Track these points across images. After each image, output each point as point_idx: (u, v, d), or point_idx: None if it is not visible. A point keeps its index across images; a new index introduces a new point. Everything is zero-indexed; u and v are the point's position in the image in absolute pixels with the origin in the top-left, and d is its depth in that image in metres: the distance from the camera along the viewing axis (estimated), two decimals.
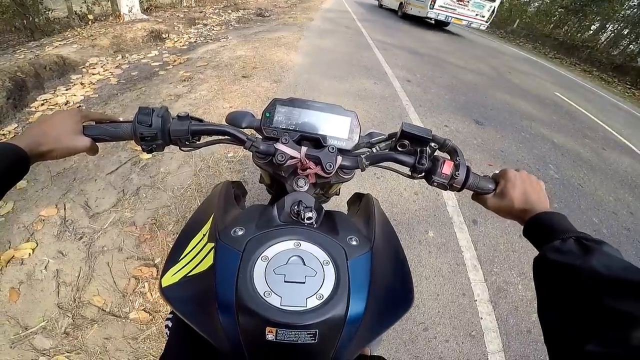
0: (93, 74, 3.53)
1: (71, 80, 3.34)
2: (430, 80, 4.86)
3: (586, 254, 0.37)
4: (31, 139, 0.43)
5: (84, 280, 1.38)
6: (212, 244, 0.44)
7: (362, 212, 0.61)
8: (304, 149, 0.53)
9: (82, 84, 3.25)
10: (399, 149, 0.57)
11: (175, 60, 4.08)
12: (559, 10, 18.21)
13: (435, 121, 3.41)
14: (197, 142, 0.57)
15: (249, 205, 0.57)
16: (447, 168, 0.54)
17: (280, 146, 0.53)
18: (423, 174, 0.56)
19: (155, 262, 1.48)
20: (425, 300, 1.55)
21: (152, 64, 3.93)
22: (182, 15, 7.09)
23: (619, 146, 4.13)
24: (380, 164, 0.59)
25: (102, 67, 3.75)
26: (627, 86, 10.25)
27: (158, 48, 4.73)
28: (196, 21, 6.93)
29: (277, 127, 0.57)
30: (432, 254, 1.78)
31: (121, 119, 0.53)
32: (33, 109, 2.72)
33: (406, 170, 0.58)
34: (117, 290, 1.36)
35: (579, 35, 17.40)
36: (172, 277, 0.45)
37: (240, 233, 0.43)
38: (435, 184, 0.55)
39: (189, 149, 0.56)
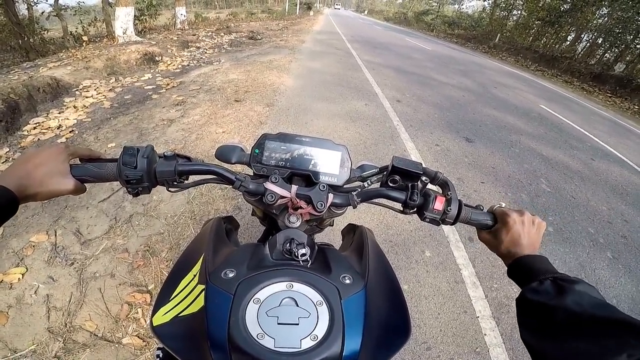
0: (86, 97, 3.54)
1: (64, 103, 3.34)
2: (418, 99, 4.99)
3: (561, 294, 0.40)
4: (19, 180, 0.42)
5: (75, 305, 1.36)
6: (203, 286, 0.43)
7: (355, 246, 0.61)
8: (294, 188, 0.53)
9: (75, 107, 3.26)
10: (390, 184, 0.57)
11: (168, 84, 4.14)
12: (536, 22, 18.88)
13: (426, 140, 3.43)
14: (185, 182, 0.56)
15: (241, 239, 0.53)
16: (438, 204, 0.53)
17: (269, 186, 0.52)
18: (415, 209, 0.56)
19: (149, 288, 1.46)
20: (426, 320, 1.53)
21: (145, 88, 3.98)
22: (175, 38, 7.23)
23: (606, 155, 4.20)
24: (372, 200, 0.58)
25: (95, 90, 3.77)
26: (608, 95, 10.55)
27: (151, 71, 4.79)
28: (189, 44, 7.07)
29: (267, 164, 0.57)
30: (430, 273, 1.77)
31: (107, 157, 0.52)
32: (25, 133, 2.70)
33: (398, 206, 0.58)
34: (110, 316, 1.34)
35: (557, 46, 18.02)
36: (163, 317, 0.45)
37: (231, 275, 0.43)
38: (427, 219, 0.55)
39: (176, 189, 0.55)
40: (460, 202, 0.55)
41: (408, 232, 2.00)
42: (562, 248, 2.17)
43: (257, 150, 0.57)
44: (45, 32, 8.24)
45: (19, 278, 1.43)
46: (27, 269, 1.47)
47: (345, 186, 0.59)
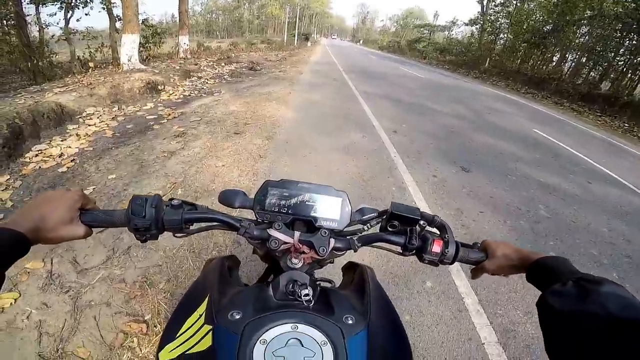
0: (89, 125, 3.58)
1: (67, 131, 3.37)
2: (414, 129, 5.04)
3: (585, 297, 0.37)
4: (32, 224, 0.43)
5: (68, 331, 1.35)
6: (210, 326, 0.44)
7: (356, 285, 0.62)
8: (296, 234, 0.54)
9: (77, 135, 3.28)
10: (389, 229, 0.60)
11: (169, 114, 4.20)
12: (522, 45, 19.34)
13: (423, 172, 3.45)
14: (191, 229, 0.57)
15: (242, 277, 0.59)
16: (436, 247, 0.56)
17: (273, 232, 0.54)
18: (414, 252, 0.59)
19: (146, 318, 1.45)
20: (430, 349, 1.51)
21: (147, 117, 4.04)
22: (177, 67, 7.39)
23: (602, 177, 4.26)
24: (372, 244, 0.61)
25: (98, 118, 3.82)
26: (597, 114, 10.71)
27: (154, 100, 4.87)
28: (191, 74, 7.24)
29: (270, 210, 0.58)
30: (432, 303, 1.76)
31: (114, 209, 0.54)
32: (27, 160, 2.71)
33: (397, 248, 0.60)
34: (104, 344, 1.32)
35: (544, 67, 18.33)
36: (169, 353, 0.46)
37: (237, 317, 0.44)
38: (426, 261, 0.57)
39: (182, 235, 0.56)
40: (457, 243, 0.57)
41: (409, 264, 2.01)
42: None
43: (260, 197, 0.59)
44: (54, 56, 8.33)
45: (11, 303, 1.42)
46: (20, 294, 1.46)
47: (345, 229, 0.60)
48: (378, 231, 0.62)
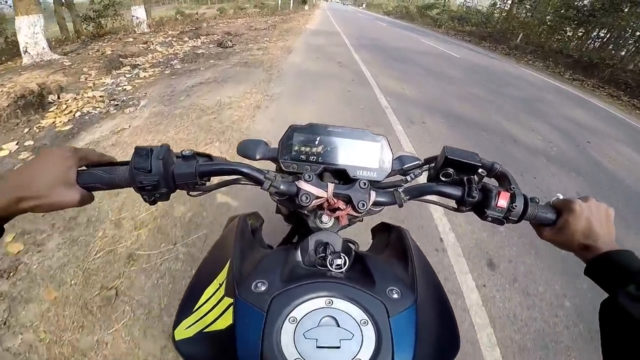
0: None
1: None
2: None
3: None
4: (12, 193, 0.35)
5: None
6: (231, 300, 0.39)
7: (395, 250, 0.55)
8: (330, 186, 0.47)
9: None
10: (442, 178, 0.51)
11: None
12: (564, 21, 16.61)
13: None
14: (207, 185, 0.50)
15: (267, 236, 0.59)
16: (502, 201, 0.47)
17: (303, 185, 0.46)
18: (471, 207, 0.50)
19: None
20: None
21: None
22: (109, 52, 5.38)
23: None
24: (422, 197, 0.52)
25: None
26: None
27: (25, 131, 2.79)
28: (127, 58, 5.09)
29: (297, 159, 0.50)
30: None
31: (118, 160, 0.46)
32: None
33: (452, 203, 0.52)
34: None
35: (588, 49, 15.82)
36: (185, 331, 0.40)
37: (262, 288, 0.38)
38: (489, 219, 0.49)
39: (198, 193, 0.49)
40: (525, 197, 0.49)
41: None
42: None
43: (285, 145, 0.51)
44: None
45: None
46: None
47: (384, 181, 0.53)
48: (426, 182, 0.53)
